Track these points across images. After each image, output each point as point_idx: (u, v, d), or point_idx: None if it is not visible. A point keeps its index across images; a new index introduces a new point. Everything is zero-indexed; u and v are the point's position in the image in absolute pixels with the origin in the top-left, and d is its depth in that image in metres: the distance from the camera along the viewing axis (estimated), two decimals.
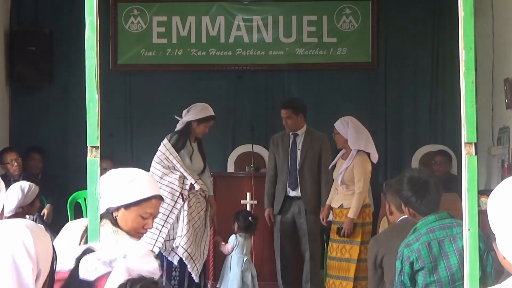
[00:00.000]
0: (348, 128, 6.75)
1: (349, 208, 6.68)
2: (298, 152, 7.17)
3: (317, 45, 9.16)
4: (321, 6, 9.19)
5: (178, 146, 6.59)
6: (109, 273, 2.33)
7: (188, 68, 9.17)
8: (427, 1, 9.13)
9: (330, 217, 6.98)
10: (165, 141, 6.62)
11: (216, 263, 7.37)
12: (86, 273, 2.33)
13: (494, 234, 2.30)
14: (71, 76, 8.62)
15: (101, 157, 2.93)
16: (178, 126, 6.72)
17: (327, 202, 6.97)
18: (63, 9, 8.86)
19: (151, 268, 2.71)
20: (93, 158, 2.84)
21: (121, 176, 3.35)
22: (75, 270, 2.32)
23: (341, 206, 6.78)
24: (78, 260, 2.35)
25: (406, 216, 4.33)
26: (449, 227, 3.90)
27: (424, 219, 3.97)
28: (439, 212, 3.98)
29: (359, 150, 6.73)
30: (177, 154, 6.54)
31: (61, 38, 8.96)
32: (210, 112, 6.71)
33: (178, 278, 6.47)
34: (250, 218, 6.92)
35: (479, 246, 3.82)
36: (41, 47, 8.78)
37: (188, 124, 6.67)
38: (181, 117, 6.71)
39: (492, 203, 2.29)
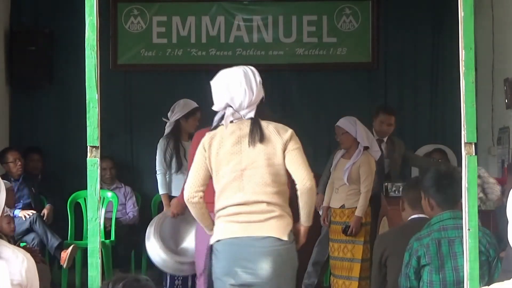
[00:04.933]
0: (357, 126, 6.75)
1: (351, 208, 6.68)
2: None
3: (317, 45, 9.16)
4: (321, 6, 9.18)
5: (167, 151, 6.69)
6: None
7: (188, 68, 9.17)
8: (427, 1, 9.13)
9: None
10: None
11: None
12: None
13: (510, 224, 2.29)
14: (71, 76, 8.60)
15: (101, 157, 2.93)
16: (167, 129, 6.77)
17: (324, 204, 6.96)
18: (63, 9, 8.85)
19: None
20: (93, 158, 2.84)
21: None
22: None
23: (342, 207, 6.76)
24: None
25: (416, 216, 4.32)
26: (462, 228, 3.86)
27: (439, 215, 3.94)
28: (456, 211, 3.94)
29: (365, 148, 6.72)
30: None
31: (61, 38, 8.95)
32: (193, 104, 6.77)
33: (181, 277, 6.46)
34: None
35: (489, 252, 3.85)
36: (41, 47, 8.77)
37: (177, 122, 6.72)
38: (168, 119, 6.77)
39: None
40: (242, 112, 4.19)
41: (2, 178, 3.03)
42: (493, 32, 8.07)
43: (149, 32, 9.14)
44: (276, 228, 4.04)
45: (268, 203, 4.07)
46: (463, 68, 2.73)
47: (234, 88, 4.22)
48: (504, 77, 7.68)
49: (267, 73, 9.28)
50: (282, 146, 4.10)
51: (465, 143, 2.71)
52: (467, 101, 2.73)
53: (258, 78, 4.39)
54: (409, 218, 4.44)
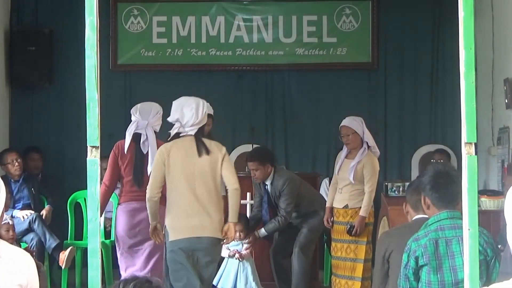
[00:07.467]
0: (364, 126, 6.72)
1: (355, 208, 6.67)
2: None
3: (317, 45, 9.16)
4: (321, 6, 9.19)
5: None
6: None
7: (188, 68, 9.17)
8: (427, 1, 9.14)
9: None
10: None
11: None
12: None
13: (508, 226, 2.29)
14: (71, 76, 8.61)
15: (101, 157, 2.93)
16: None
17: (327, 205, 6.94)
18: (63, 9, 8.86)
19: None
20: (93, 158, 2.84)
21: None
22: None
23: (345, 207, 6.74)
24: None
25: (420, 216, 4.31)
26: (459, 227, 3.81)
27: (436, 215, 3.93)
28: (453, 211, 3.92)
29: (368, 147, 6.70)
30: None
31: (61, 38, 8.96)
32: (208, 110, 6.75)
33: None
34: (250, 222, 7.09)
35: (487, 252, 3.84)
36: (41, 47, 8.78)
37: None
38: None
39: (510, 195, 2.29)
40: (187, 129, 5.39)
41: (1, 179, 3.02)
42: (493, 32, 8.08)
43: (149, 32, 9.14)
44: (218, 230, 5.37)
45: (213, 205, 5.36)
46: (463, 68, 2.72)
47: (186, 110, 5.42)
48: (504, 77, 7.68)
49: (267, 73, 9.39)
50: (221, 158, 5.38)
51: (465, 143, 2.71)
52: (467, 101, 2.72)
53: (205, 110, 5.52)
54: (413, 218, 4.44)
